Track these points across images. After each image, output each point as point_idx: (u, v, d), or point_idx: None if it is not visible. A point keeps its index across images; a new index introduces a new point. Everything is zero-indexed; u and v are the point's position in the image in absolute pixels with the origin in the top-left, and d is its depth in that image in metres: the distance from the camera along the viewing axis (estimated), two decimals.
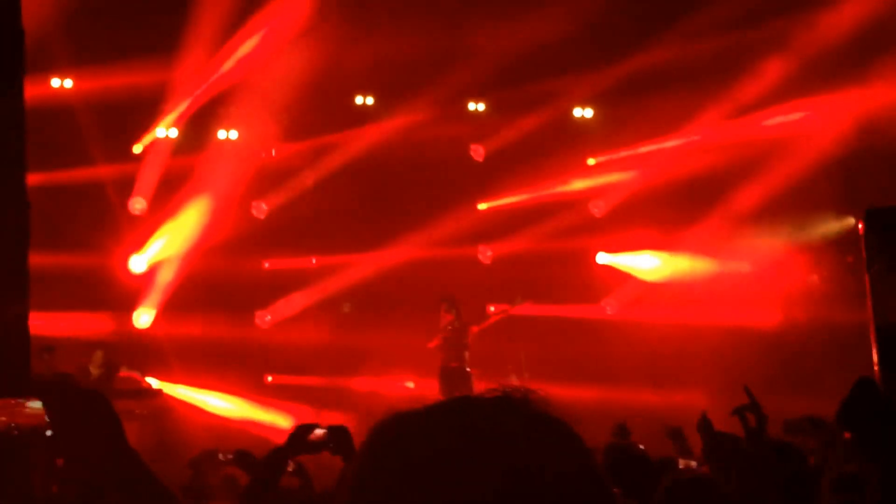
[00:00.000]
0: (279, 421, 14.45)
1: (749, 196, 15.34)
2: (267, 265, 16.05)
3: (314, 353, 15.17)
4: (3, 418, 2.42)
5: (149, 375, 14.31)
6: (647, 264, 16.51)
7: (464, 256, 16.07)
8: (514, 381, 13.95)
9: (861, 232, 6.28)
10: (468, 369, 14.28)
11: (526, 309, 14.81)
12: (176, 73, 14.52)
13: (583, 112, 16.55)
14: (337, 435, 4.72)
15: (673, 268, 16.22)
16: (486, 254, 16.54)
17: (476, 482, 1.35)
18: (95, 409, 2.35)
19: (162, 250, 15.28)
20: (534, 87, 15.48)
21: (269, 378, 15.63)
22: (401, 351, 14.79)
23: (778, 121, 15.14)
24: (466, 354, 14.37)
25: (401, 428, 1.44)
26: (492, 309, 15.75)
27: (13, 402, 2.45)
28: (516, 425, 1.41)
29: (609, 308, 16.39)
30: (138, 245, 15.29)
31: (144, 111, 15.00)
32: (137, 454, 2.45)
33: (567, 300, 15.95)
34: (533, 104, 15.75)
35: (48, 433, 2.24)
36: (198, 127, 15.33)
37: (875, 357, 6.71)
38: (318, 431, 4.70)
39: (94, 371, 13.28)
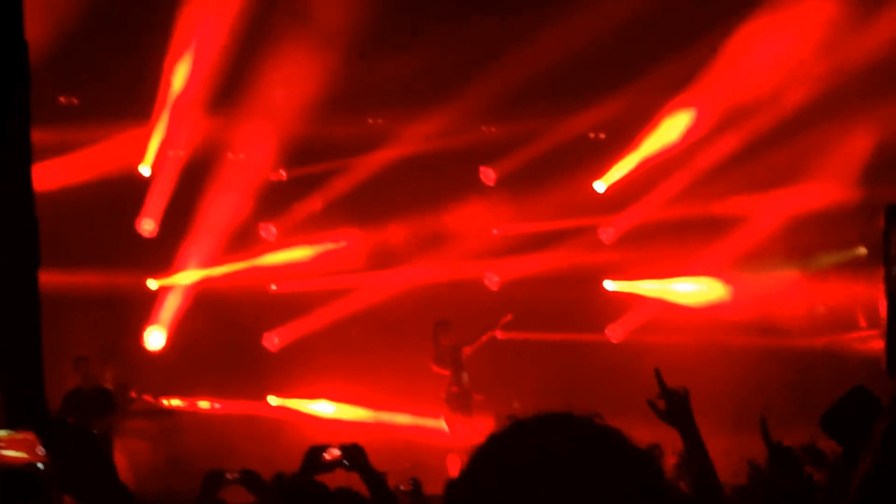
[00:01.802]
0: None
1: (760, 225, 15.37)
2: (274, 287, 16.05)
3: (320, 375, 15.20)
4: (25, 454, 2.42)
5: (160, 395, 14.34)
6: (651, 292, 16.49)
7: (471, 281, 16.07)
8: (518, 407, 13.95)
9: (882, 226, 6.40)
10: (470, 392, 14.29)
11: (510, 332, 14.73)
12: (183, 93, 14.60)
13: (595, 136, 16.56)
14: (351, 453, 4.82)
15: (678, 294, 16.21)
16: (492, 279, 16.53)
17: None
18: (88, 448, 2.37)
19: (177, 273, 15.32)
20: (546, 111, 15.51)
21: (273, 400, 15.62)
22: (400, 378, 14.84)
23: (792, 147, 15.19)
24: (465, 376, 14.37)
25: (506, 448, 1.60)
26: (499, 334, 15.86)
27: (31, 437, 2.45)
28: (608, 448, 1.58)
29: (613, 335, 16.35)
30: (153, 266, 15.32)
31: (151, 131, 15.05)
32: (128, 489, 2.49)
33: (573, 326, 15.94)
34: (545, 128, 15.77)
35: (39, 466, 2.26)
36: (207, 148, 15.37)
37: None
38: (333, 451, 4.79)
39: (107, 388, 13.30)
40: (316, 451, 4.86)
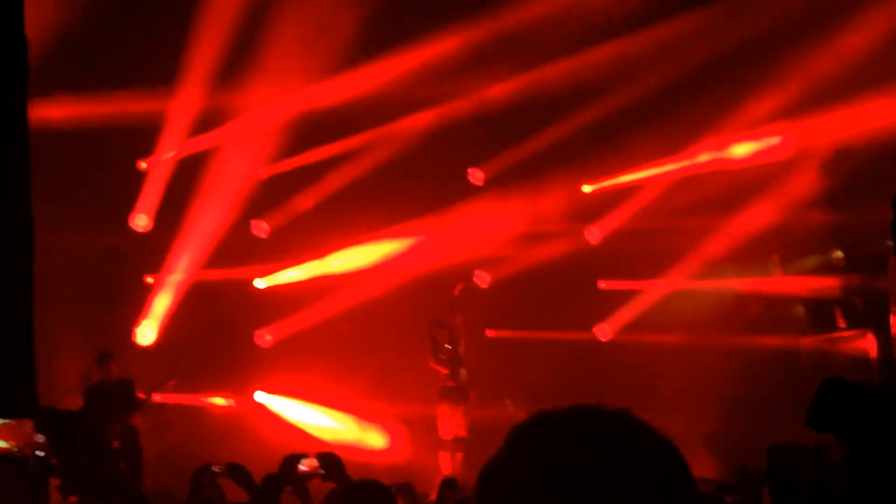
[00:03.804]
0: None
1: (739, 226, 15.51)
2: (264, 285, 16.01)
3: (312, 372, 15.23)
4: (12, 441, 2.51)
5: (151, 391, 14.36)
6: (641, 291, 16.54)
7: (461, 279, 16.10)
8: (509, 405, 14.04)
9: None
10: (467, 388, 14.38)
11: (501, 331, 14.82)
12: (180, 89, 14.60)
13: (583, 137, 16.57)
14: (327, 462, 4.82)
15: (666, 295, 16.27)
16: (483, 278, 16.57)
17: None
18: (83, 433, 2.43)
19: (171, 269, 15.32)
20: (534, 109, 15.56)
21: (261, 397, 15.63)
22: (392, 374, 14.91)
23: (765, 151, 15.32)
24: (463, 372, 14.46)
25: (538, 434, 1.59)
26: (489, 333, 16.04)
27: (16, 424, 2.53)
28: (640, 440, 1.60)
29: (602, 334, 16.40)
30: (147, 262, 15.33)
31: (150, 127, 15.00)
32: (122, 474, 2.54)
33: (563, 325, 15.99)
34: (533, 127, 15.82)
35: (39, 453, 2.33)
36: (201, 144, 15.34)
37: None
38: (309, 460, 4.81)
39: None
40: (292, 460, 4.87)
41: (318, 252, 15.86)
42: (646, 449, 1.58)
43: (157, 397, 13.61)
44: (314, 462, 4.88)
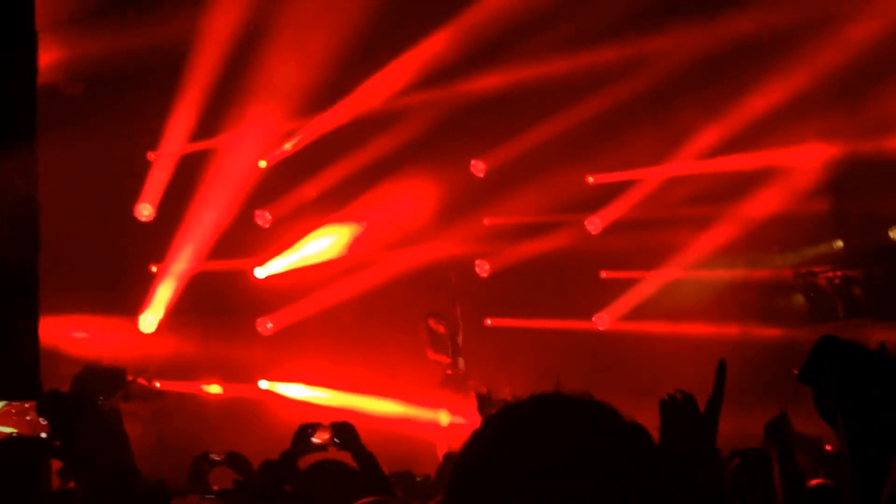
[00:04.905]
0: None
1: (739, 216, 15.54)
2: (264, 274, 16.02)
3: (313, 360, 15.27)
4: (15, 425, 2.55)
5: (153, 378, 14.40)
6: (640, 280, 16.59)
7: (462, 268, 16.15)
8: (508, 394, 14.07)
9: None
10: (466, 376, 14.44)
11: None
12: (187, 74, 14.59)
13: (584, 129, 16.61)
14: (341, 431, 4.85)
15: (666, 284, 16.32)
16: (483, 267, 16.63)
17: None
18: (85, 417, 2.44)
19: (176, 258, 15.34)
20: (536, 100, 15.58)
21: (264, 384, 15.68)
22: (393, 362, 14.97)
23: (769, 148, 15.34)
24: (461, 361, 14.53)
25: (512, 423, 1.62)
26: (489, 322, 16.07)
27: (19, 407, 2.56)
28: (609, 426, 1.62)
29: (601, 323, 16.45)
30: (150, 250, 15.36)
31: (157, 115, 14.97)
32: (137, 470, 2.56)
33: (562, 314, 16.04)
34: (535, 118, 15.84)
35: (42, 435, 2.36)
36: (206, 133, 15.34)
37: None
38: (323, 431, 4.84)
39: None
40: (306, 430, 4.90)
41: (291, 239, 15.90)
42: (610, 435, 1.60)
43: (143, 382, 13.65)
44: (326, 434, 4.90)
